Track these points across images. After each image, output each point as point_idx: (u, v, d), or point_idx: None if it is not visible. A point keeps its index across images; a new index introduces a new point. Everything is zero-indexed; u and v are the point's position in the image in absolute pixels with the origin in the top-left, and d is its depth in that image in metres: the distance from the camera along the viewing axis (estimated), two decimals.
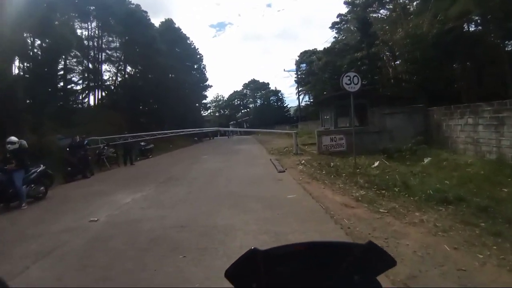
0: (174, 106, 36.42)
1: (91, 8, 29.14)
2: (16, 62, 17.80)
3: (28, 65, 19.11)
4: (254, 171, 10.32)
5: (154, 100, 34.72)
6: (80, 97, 34.05)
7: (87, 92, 34.87)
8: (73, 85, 33.35)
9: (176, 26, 41.19)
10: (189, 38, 44.91)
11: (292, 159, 12.82)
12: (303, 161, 11.28)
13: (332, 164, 9.89)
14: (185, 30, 67.90)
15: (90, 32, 32.36)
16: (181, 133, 24.58)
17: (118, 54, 34.37)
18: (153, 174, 11.67)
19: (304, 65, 46.45)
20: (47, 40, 18.38)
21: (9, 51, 14.75)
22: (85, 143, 13.06)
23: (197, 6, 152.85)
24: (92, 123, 24.50)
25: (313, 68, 40.95)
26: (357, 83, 8.79)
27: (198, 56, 46.96)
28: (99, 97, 35.56)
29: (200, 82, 46.83)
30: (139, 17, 31.99)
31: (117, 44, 34.08)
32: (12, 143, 7.48)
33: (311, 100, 45.53)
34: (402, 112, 12.42)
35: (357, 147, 11.42)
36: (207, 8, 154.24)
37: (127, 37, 32.62)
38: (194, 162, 14.85)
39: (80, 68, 33.23)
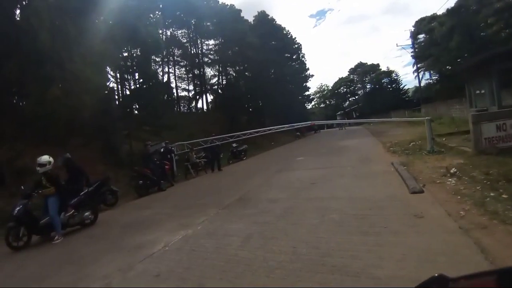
0: (275, 101, 34.51)
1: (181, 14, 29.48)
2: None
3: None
4: (367, 191, 6.23)
5: (252, 97, 33.45)
6: (193, 103, 36.23)
7: (197, 97, 36.68)
8: (185, 92, 35.88)
9: (270, 17, 39.06)
10: (284, 28, 42.31)
11: (429, 162, 8.19)
12: (453, 168, 6.70)
13: None
14: (282, 23, 65.64)
15: (190, 38, 33.37)
16: (281, 129, 21.92)
17: (216, 56, 34.56)
18: (227, 188, 9.10)
19: (422, 36, 37.70)
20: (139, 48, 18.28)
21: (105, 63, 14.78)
22: (161, 150, 11.71)
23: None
24: (196, 126, 24.72)
25: (434, 37, 32.99)
26: None
27: (296, 46, 43.89)
28: (208, 100, 36.88)
29: (300, 73, 43.72)
30: (229, 13, 31.03)
31: (213, 46, 34.29)
32: (42, 164, 6.03)
33: (435, 77, 36.71)
34: None
35: None
36: None
37: (221, 39, 32.37)
38: (284, 167, 11.70)
39: (190, 75, 35.29)
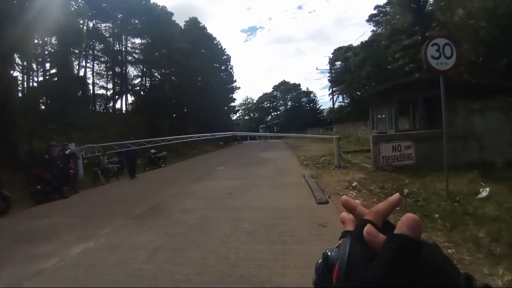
0: (200, 109, 34.22)
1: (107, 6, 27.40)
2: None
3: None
4: (280, 201, 6.74)
5: (177, 103, 32.53)
6: (111, 103, 33.46)
7: (116, 97, 34.01)
8: (103, 90, 32.91)
9: (202, 25, 39.00)
10: (215, 38, 42.63)
11: (335, 176, 9.22)
12: (355, 182, 7.68)
13: (405, 190, 6.16)
14: (214, 33, 65.66)
15: (114, 33, 31.14)
16: (203, 138, 21.70)
17: (141, 56, 32.79)
18: (139, 197, 8.74)
19: (339, 62, 42.20)
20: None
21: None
22: (66, 152, 10.53)
23: (228, 12, 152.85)
24: (112, 128, 22.88)
25: (348, 65, 37.29)
26: (451, 56, 5.17)
27: (225, 57, 44.63)
28: (128, 102, 34.55)
29: (227, 84, 44.37)
30: (160, 14, 29.94)
31: (139, 45, 32.59)
32: None
33: (347, 101, 41.26)
34: (498, 107, 8.45)
35: (431, 160, 8.12)
36: (238, 13, 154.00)
37: (149, 39, 31.00)
38: (203, 176, 11.74)
39: (110, 73, 32.57)
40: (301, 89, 64.79)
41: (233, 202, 7.06)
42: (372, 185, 7.18)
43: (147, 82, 33.84)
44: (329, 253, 0.42)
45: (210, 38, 41.26)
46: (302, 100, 63.53)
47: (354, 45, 37.93)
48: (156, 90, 31.23)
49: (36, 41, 15.16)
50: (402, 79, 14.85)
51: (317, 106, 62.30)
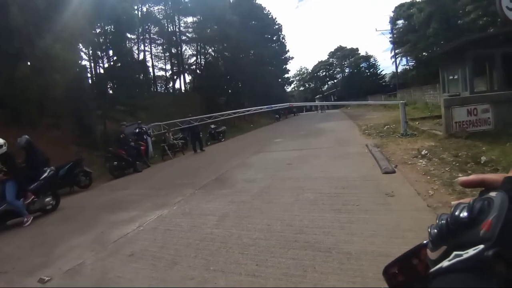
0: (254, 83, 34.18)
1: None
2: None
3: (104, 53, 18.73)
4: (342, 171, 6.38)
5: (232, 78, 32.92)
6: (170, 83, 35.29)
7: (175, 77, 35.70)
8: (162, 71, 34.77)
9: None
10: (265, 8, 41.41)
11: (401, 145, 8.49)
12: (424, 150, 6.99)
13: (482, 158, 5.47)
14: (263, 2, 63.59)
15: (167, 14, 32.11)
16: (260, 111, 21.80)
17: (194, 35, 33.49)
18: (204, 169, 9.10)
19: (401, 21, 38.13)
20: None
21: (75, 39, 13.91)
22: (136, 131, 11.47)
23: None
24: (173, 106, 24.18)
25: (412, 23, 33.50)
26: None
27: (276, 27, 43.20)
28: (186, 81, 36.02)
29: (280, 55, 43.26)
30: None
31: (192, 23, 33.20)
32: None
33: (412, 63, 37.47)
34: None
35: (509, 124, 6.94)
36: None
37: (200, 16, 31.34)
38: (262, 149, 11.78)
39: (167, 54, 34.10)
40: (359, 53, 60.34)
41: (293, 172, 6.97)
42: (444, 153, 6.47)
43: (201, 60, 34.68)
44: (466, 206, 0.40)
45: (260, 8, 40.23)
46: (361, 65, 59.22)
47: (418, 0, 33.86)
48: (210, 67, 31.87)
49: (98, 30, 16.25)
50: (476, 35, 12.96)
51: (378, 71, 57.64)
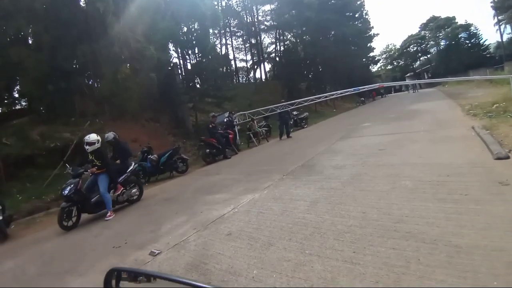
0: (336, 65, 32.78)
1: None
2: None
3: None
4: (444, 157, 5.52)
5: (312, 63, 32.17)
6: (251, 73, 36.50)
7: (255, 67, 36.73)
8: (243, 62, 36.16)
9: None
10: None
11: None
12: None
13: None
14: None
15: (245, 5, 32.87)
16: (345, 94, 20.79)
17: (273, 22, 33.59)
18: (289, 155, 9.01)
19: None
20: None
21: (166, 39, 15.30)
22: (225, 120, 12.16)
23: None
24: (255, 95, 24.94)
25: None
26: None
27: (359, 3, 40.24)
28: (266, 70, 36.71)
29: (363, 33, 40.30)
30: None
31: (270, 11, 33.32)
32: (91, 143, 6.12)
33: None
34: None
35: None
36: None
37: (277, 2, 31.18)
38: (348, 134, 11.06)
39: (247, 45, 35.22)
40: (457, 22, 52.14)
41: (386, 158, 6.35)
42: None
43: (280, 47, 34.70)
44: None
45: None
46: (459, 36, 51.00)
47: None
48: (290, 53, 31.63)
49: (184, 29, 17.51)
50: None
51: (481, 42, 49.23)
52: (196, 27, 18.34)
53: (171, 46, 17.72)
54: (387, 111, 17.88)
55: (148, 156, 9.45)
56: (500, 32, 31.57)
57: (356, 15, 40.63)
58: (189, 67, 19.84)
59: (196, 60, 18.68)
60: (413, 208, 3.54)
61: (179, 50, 19.24)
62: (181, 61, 20.57)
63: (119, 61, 12.54)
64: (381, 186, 4.55)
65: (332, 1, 35.31)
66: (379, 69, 62.84)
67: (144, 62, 12.65)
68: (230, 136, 11.68)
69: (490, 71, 31.05)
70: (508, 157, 4.85)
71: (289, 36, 33.81)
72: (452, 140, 6.89)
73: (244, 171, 8.00)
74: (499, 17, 31.26)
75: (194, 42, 17.99)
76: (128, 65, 13.40)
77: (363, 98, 33.59)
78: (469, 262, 2.32)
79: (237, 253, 3.23)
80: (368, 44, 43.12)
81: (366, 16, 41.93)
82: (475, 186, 3.88)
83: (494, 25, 33.00)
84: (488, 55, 44.60)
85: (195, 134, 13.56)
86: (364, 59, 44.01)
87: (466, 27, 50.49)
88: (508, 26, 32.99)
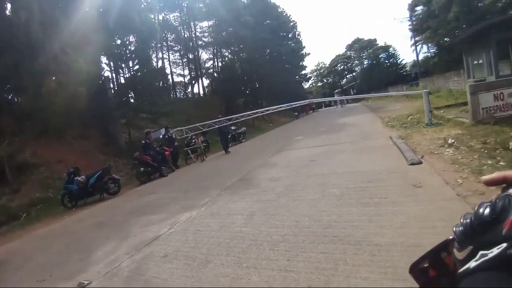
0: (272, 82, 34.17)
1: None
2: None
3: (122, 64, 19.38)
4: (367, 165, 6.20)
5: (249, 79, 33.09)
6: (189, 88, 35.96)
7: (193, 82, 36.34)
8: (180, 77, 35.52)
9: None
10: (279, 6, 41.42)
11: (427, 135, 8.22)
12: (451, 139, 6.75)
13: (511, 144, 5.20)
14: (279, 3, 63.68)
15: (183, 21, 32.69)
16: (279, 110, 21.71)
17: (210, 39, 33.93)
18: (227, 170, 9.22)
19: (420, 7, 36.92)
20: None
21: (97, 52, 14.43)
22: (160, 136, 11.84)
23: None
24: (193, 111, 24.62)
25: (432, 9, 32.33)
26: None
27: (292, 24, 43.05)
28: (204, 85, 36.58)
29: (296, 52, 43.05)
30: None
31: (207, 28, 33.66)
32: None
33: (433, 50, 36.23)
34: None
35: None
36: None
37: (215, 20, 31.68)
38: (283, 147, 11.70)
39: (185, 60, 34.77)
40: (378, 44, 58.90)
41: (317, 168, 6.89)
42: (472, 140, 6.19)
43: (218, 63, 35.11)
44: (489, 205, 0.41)
45: (274, 7, 40.19)
46: (380, 56, 57.68)
47: None
48: (227, 69, 32.12)
49: (118, 42, 16.81)
50: (499, 17, 12.38)
51: (398, 61, 56.18)
52: (131, 40, 17.71)
53: (104, 59, 16.76)
54: (318, 125, 19.17)
55: (75, 178, 8.69)
56: (416, 52, 36.22)
57: (290, 35, 43.25)
58: (122, 81, 18.95)
59: (131, 73, 17.95)
60: (340, 213, 3.90)
61: (112, 64, 18.27)
62: (114, 74, 19.53)
63: (44, 74, 11.48)
64: (312, 195, 4.91)
65: (268, 21, 37.07)
66: (311, 85, 67.42)
67: (71, 75, 11.76)
68: (166, 153, 11.37)
69: (407, 87, 35.31)
70: (420, 163, 5.61)
71: (226, 53, 34.41)
72: (373, 150, 7.73)
73: (182, 188, 7.89)
74: (416, 38, 35.76)
75: (129, 55, 17.31)
76: (54, 78, 12.33)
77: (296, 113, 35.44)
78: (389, 258, 2.65)
79: (174, 275, 3.20)
80: (301, 63, 46.07)
81: (299, 37, 44.93)
82: (393, 189, 4.42)
83: (411, 46, 37.65)
84: (404, 73, 50.73)
85: (129, 152, 12.84)
86: (297, 76, 46.70)
87: (386, 48, 57.27)
88: (424, 46, 37.98)
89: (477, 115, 7.85)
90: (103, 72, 16.51)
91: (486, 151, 5.29)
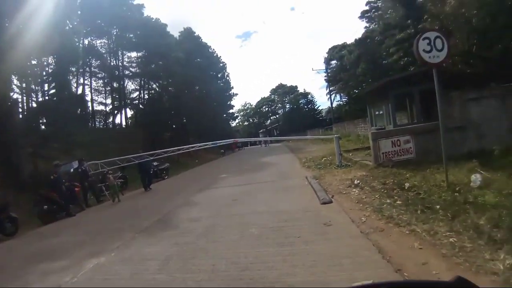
0: (199, 119, 34.38)
1: (102, 22, 27.65)
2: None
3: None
4: (284, 204, 6.70)
5: (176, 114, 32.74)
6: (110, 118, 33.65)
7: (116, 112, 34.22)
8: (102, 106, 33.13)
9: (196, 34, 39.36)
10: (210, 46, 43.02)
11: (337, 175, 9.25)
12: (356, 179, 7.74)
13: (406, 184, 6.27)
14: (209, 41, 66.17)
15: (110, 48, 31.42)
16: (204, 147, 21.73)
17: (138, 70, 33.07)
18: (145, 210, 8.85)
19: (334, 61, 42.52)
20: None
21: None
22: (71, 170, 10.78)
23: (222, 19, 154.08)
24: (113, 143, 23.00)
25: (344, 64, 37.57)
26: (442, 49, 5.27)
27: (221, 65, 44.95)
28: (127, 116, 34.76)
29: (224, 91, 44.66)
30: (154, 26, 30.23)
31: (136, 58, 32.89)
32: None
33: (345, 99, 41.65)
34: (493, 95, 8.52)
35: (430, 152, 8.30)
36: (232, 19, 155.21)
37: (145, 51, 31.28)
38: (207, 185, 11.74)
39: (108, 88, 32.77)
40: (298, 90, 65.25)
41: (238, 208, 7.10)
42: (374, 181, 7.23)
43: (145, 95, 34.18)
44: None
45: (205, 47, 41.66)
46: (300, 101, 63.96)
47: (348, 43, 38.27)
48: (154, 102, 31.48)
49: (34, 62, 15.38)
50: (398, 74, 14.94)
51: (316, 107, 62.83)
52: (49, 61, 16.31)
53: (15, 79, 14.96)
54: (243, 163, 19.73)
55: None
56: (331, 100, 40.89)
57: (219, 75, 44.82)
58: (34, 105, 17.08)
59: (45, 98, 16.32)
60: (257, 254, 4.06)
61: (25, 85, 16.42)
62: (25, 97, 17.51)
63: None
64: (232, 236, 5.02)
65: (199, 60, 37.97)
66: (238, 124, 69.75)
67: None
68: (76, 189, 10.35)
69: (322, 130, 39.09)
70: (331, 202, 6.24)
71: (155, 85, 33.82)
72: (291, 189, 8.31)
73: (91, 230, 7.20)
74: (330, 88, 40.28)
75: (45, 77, 15.81)
76: None
77: (223, 150, 35.90)
78: None
79: None
80: (229, 102, 47.76)
81: (228, 78, 46.89)
82: (306, 228, 4.80)
83: (326, 94, 42.27)
84: (321, 118, 56.28)
85: (34, 186, 11.25)
86: (225, 115, 47.92)
87: (305, 95, 63.69)
88: (337, 95, 42.93)
89: (378, 158, 9.11)
90: (12, 94, 14.69)
91: (385, 191, 6.17)
